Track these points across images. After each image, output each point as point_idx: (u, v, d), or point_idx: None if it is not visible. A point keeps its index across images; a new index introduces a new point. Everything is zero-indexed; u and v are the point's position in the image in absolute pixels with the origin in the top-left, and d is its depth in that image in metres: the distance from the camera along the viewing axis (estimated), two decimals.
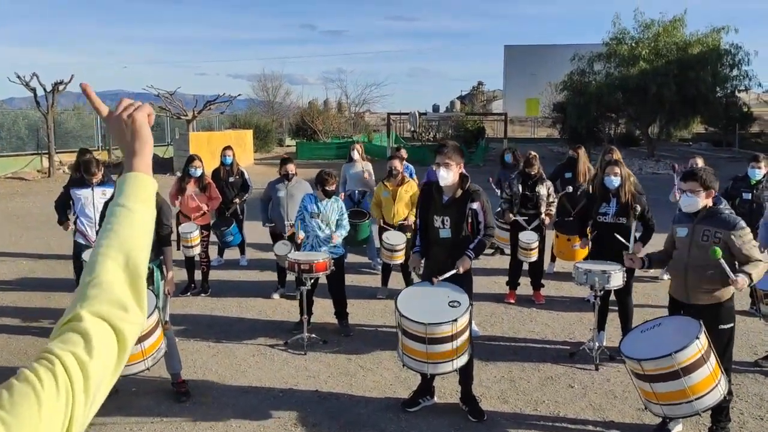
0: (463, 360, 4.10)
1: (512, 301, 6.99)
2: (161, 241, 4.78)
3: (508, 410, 4.49)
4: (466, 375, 4.41)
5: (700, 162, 6.70)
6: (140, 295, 1.03)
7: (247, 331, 6.08)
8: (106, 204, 5.20)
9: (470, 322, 4.18)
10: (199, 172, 7.25)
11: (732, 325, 3.99)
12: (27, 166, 19.19)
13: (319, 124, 31.01)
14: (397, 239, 6.86)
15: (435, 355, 4.00)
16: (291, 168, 7.11)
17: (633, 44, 24.85)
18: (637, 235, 5.61)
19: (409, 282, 6.78)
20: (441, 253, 4.47)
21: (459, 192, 4.42)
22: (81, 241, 6.22)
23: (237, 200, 8.08)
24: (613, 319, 5.82)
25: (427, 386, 4.54)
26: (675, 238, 4.16)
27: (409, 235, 6.72)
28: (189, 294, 7.19)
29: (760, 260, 3.88)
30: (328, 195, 5.97)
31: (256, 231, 8.63)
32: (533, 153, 7.13)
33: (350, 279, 7.22)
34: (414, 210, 6.06)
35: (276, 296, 7.13)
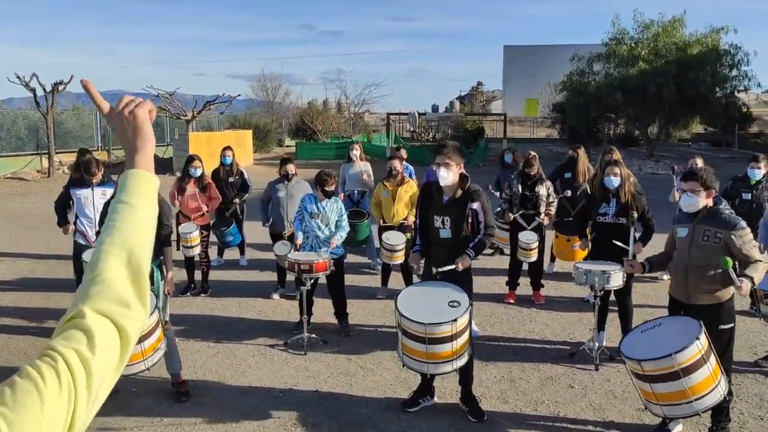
0: (463, 360, 4.10)
1: (512, 301, 6.99)
2: (161, 241, 4.77)
3: (508, 410, 4.49)
4: (466, 375, 4.41)
5: (699, 162, 6.69)
6: (143, 292, 1.03)
7: (247, 331, 6.07)
8: (107, 204, 5.21)
9: (470, 322, 4.18)
10: (198, 173, 7.25)
11: (732, 325, 3.99)
12: (27, 166, 19.18)
13: (318, 125, 31.02)
14: (396, 239, 6.86)
15: (435, 355, 4.00)
16: (291, 168, 7.11)
17: (632, 44, 24.87)
18: (637, 235, 5.63)
19: (409, 282, 6.78)
20: (441, 253, 4.47)
21: (459, 192, 4.42)
22: (81, 241, 6.21)
23: (237, 200, 8.08)
24: (613, 319, 5.81)
25: (427, 386, 4.54)
26: (675, 238, 4.16)
27: (409, 235, 6.72)
28: (189, 294, 7.19)
29: (760, 260, 3.88)
30: (328, 195, 5.97)
31: (255, 231, 8.63)
32: (533, 153, 7.13)
33: (350, 279, 7.22)
34: (414, 210, 6.06)
35: (276, 296, 7.13)
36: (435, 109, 48.88)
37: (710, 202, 4.00)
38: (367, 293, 7.22)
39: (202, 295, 7.21)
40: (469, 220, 4.42)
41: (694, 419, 4.09)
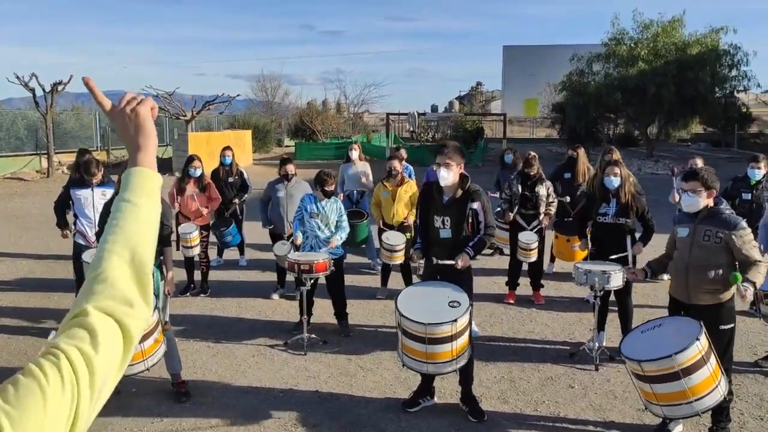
0: (463, 360, 4.10)
1: (512, 301, 6.99)
2: (161, 241, 4.77)
3: (508, 410, 4.49)
4: (466, 375, 4.41)
5: (699, 162, 6.70)
6: (146, 290, 1.03)
7: (246, 331, 6.07)
8: (107, 204, 5.20)
9: (470, 323, 4.18)
10: (198, 173, 7.24)
11: (732, 325, 3.99)
12: (26, 166, 19.16)
13: (317, 125, 31.01)
14: (396, 239, 6.85)
15: (435, 355, 4.00)
16: (290, 168, 7.11)
17: (632, 45, 24.90)
18: (637, 235, 5.63)
19: (409, 282, 6.78)
20: (441, 253, 4.46)
21: (459, 192, 4.42)
22: (81, 241, 6.20)
23: (236, 200, 8.08)
24: (613, 319, 5.81)
25: (427, 386, 4.54)
26: (676, 238, 4.16)
27: (409, 235, 6.72)
28: (188, 294, 7.18)
29: (760, 261, 3.88)
30: (328, 195, 5.97)
31: (255, 231, 8.62)
32: (532, 153, 7.13)
33: (350, 279, 7.22)
34: (413, 210, 6.06)
35: (275, 296, 7.12)
36: (434, 109, 48.95)
37: (711, 202, 4.00)
38: (367, 293, 7.21)
39: (202, 295, 7.20)
40: (470, 220, 4.42)
41: (694, 419, 4.09)
